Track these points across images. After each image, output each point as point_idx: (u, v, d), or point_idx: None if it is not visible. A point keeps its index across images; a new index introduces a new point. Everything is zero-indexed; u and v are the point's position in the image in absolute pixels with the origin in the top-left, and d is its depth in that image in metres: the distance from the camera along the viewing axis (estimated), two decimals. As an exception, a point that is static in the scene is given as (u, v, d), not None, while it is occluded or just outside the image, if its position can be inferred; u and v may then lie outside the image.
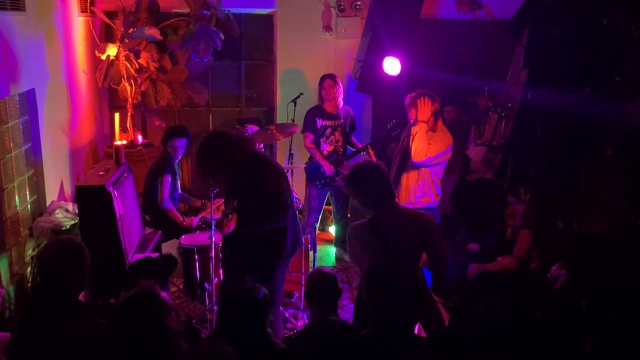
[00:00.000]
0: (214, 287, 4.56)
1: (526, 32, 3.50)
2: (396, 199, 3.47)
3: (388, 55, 5.81)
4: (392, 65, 5.79)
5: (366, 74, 6.43)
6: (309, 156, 5.96)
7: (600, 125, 3.42)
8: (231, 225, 3.65)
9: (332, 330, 2.63)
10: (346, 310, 5.04)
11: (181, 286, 5.21)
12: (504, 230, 4.75)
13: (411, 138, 4.66)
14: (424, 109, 4.61)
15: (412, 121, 4.69)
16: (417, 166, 4.67)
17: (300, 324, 4.78)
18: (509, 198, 4.63)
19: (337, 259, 6.14)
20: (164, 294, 2.30)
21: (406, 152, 4.77)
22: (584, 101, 3.35)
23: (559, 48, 3.33)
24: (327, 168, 5.73)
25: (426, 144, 4.55)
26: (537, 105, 3.47)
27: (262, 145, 6.86)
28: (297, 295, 4.97)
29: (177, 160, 5.43)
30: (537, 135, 3.48)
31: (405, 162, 4.78)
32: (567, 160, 3.55)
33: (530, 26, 3.44)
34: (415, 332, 3.28)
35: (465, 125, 6.70)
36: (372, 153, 5.42)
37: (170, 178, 5.25)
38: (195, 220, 5.31)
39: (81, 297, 3.02)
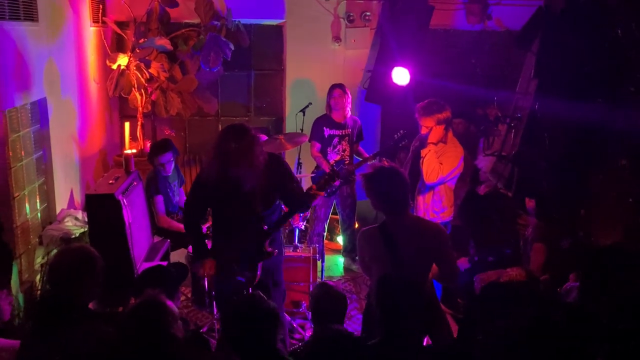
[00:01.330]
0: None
1: (536, 42, 3.48)
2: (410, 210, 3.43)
3: (397, 65, 5.82)
4: (401, 76, 5.79)
5: (375, 84, 6.44)
6: (315, 165, 5.96)
7: (612, 136, 3.39)
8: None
9: (338, 340, 2.61)
10: (354, 321, 5.02)
11: (189, 295, 5.21)
12: (518, 241, 4.72)
13: (421, 161, 4.64)
14: (435, 133, 4.60)
15: (424, 131, 4.66)
16: (431, 186, 4.65)
17: (308, 334, 4.76)
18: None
19: (345, 268, 6.13)
20: (169, 303, 2.30)
21: (416, 164, 4.75)
22: (595, 111, 3.32)
23: (570, 58, 3.31)
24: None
25: (437, 165, 4.52)
26: (546, 116, 3.45)
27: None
28: (305, 305, 4.95)
29: (169, 174, 5.31)
30: (545, 146, 3.46)
31: (417, 178, 4.75)
32: (577, 171, 3.52)
33: (540, 36, 3.42)
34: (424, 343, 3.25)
35: (475, 136, 6.69)
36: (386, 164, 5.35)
37: (161, 198, 5.23)
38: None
39: (90, 305, 3.03)
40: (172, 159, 5.28)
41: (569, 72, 3.33)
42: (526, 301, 2.97)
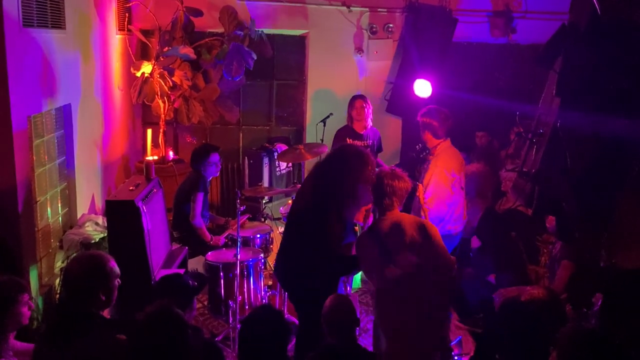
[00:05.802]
0: (237, 305, 4.55)
1: (559, 60, 3.43)
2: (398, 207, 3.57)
3: (419, 77, 5.80)
4: (423, 88, 5.78)
5: (396, 96, 6.44)
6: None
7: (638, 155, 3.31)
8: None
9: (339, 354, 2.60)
10: (370, 335, 4.97)
11: (205, 303, 5.21)
12: (526, 266, 4.64)
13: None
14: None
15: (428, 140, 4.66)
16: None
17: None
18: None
19: (363, 280, 6.08)
20: (180, 312, 2.29)
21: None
22: (622, 128, 3.25)
23: (594, 76, 3.24)
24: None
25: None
26: (569, 133, 3.39)
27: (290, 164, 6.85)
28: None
29: (215, 176, 5.45)
30: (566, 164, 3.39)
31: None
32: (600, 191, 3.44)
33: (563, 54, 3.37)
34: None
35: (497, 150, 6.61)
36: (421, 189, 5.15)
37: (203, 196, 5.28)
38: (222, 239, 5.33)
39: (106, 311, 3.05)
40: (219, 160, 5.36)
41: (593, 91, 3.26)
42: (547, 321, 2.91)
